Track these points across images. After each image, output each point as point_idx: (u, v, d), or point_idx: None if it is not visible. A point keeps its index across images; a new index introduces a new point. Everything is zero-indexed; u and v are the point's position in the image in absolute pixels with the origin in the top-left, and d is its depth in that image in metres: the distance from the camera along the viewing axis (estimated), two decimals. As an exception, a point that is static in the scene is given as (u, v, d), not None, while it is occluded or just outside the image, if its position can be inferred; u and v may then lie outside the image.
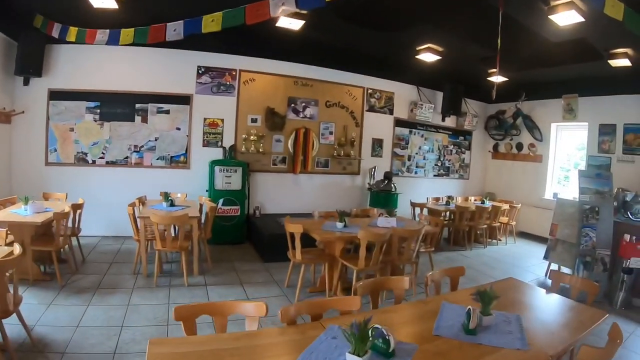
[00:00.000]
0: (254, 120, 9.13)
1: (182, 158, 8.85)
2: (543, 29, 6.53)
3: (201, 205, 7.31)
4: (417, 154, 11.35)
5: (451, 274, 3.73)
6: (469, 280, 6.15)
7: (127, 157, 8.47)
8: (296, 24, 6.74)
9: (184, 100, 8.80)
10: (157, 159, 8.65)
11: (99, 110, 8.27)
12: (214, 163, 8.43)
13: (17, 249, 3.74)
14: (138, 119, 8.47)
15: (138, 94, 8.35)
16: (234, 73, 9.00)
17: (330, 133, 9.84)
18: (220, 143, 8.96)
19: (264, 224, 8.32)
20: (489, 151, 12.89)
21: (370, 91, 10.35)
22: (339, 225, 5.97)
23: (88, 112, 8.21)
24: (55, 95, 7.95)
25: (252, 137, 8.93)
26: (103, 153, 8.38)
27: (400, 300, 3.15)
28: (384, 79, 10.64)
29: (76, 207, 6.28)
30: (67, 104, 8.12)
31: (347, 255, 5.70)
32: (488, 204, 10.00)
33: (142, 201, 6.97)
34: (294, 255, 5.75)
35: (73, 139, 8.16)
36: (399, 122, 10.91)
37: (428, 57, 8.59)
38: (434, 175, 11.78)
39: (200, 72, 8.82)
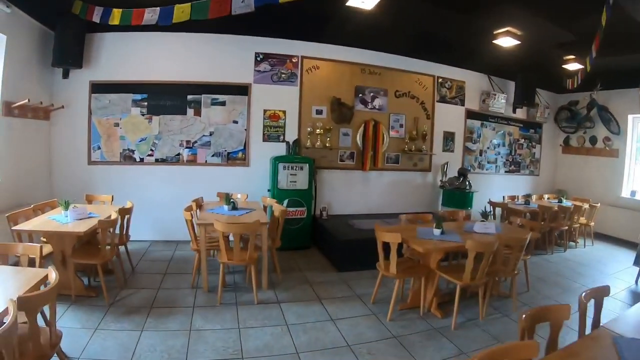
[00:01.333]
0: (318, 112, 7.77)
1: (240, 154, 7.62)
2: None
3: (265, 208, 6.05)
4: (488, 148, 9.78)
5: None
6: (563, 290, 5.74)
7: (178, 154, 7.36)
8: (369, 2, 5.42)
9: (241, 90, 7.56)
10: (212, 156, 7.48)
11: (146, 103, 7.16)
12: (277, 160, 7.14)
13: (52, 275, 2.61)
14: (190, 111, 7.35)
15: (190, 84, 7.25)
16: (295, 60, 7.68)
17: (401, 126, 8.41)
18: (282, 137, 7.63)
19: (334, 227, 6.99)
20: (560, 145, 11.31)
21: (440, 80, 8.89)
22: (436, 232, 4.77)
23: (134, 105, 7.13)
24: (98, 87, 6.94)
25: (317, 131, 7.56)
26: (152, 150, 7.27)
27: (557, 334, 2.48)
28: (455, 66, 9.13)
29: (124, 211, 5.14)
30: (112, 97, 7.03)
31: (445, 267, 4.76)
32: (566, 203, 8.58)
33: (199, 204, 5.67)
34: (387, 269, 4.55)
35: (118, 135, 7.09)
36: (470, 114, 9.36)
37: (506, 41, 7.18)
38: (505, 172, 10.12)
39: (258, 59, 7.56)
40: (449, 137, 9.07)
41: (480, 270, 4.19)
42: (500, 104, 9.61)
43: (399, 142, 8.41)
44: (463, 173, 8.59)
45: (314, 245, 7.37)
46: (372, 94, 8.10)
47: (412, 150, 8.36)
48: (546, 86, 10.31)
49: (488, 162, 9.86)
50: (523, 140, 10.53)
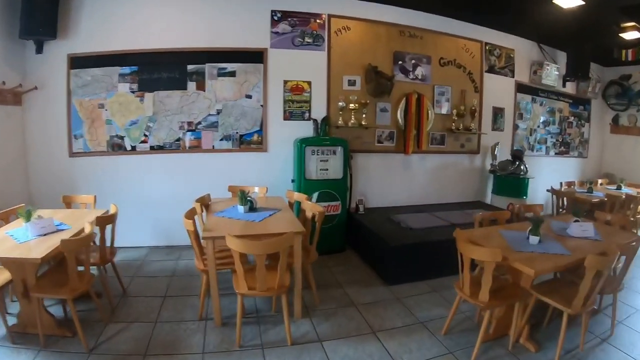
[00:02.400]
0: (351, 83, 6.05)
1: (255, 137, 6.01)
2: None
3: (292, 205, 4.54)
4: (538, 126, 8.06)
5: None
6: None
7: (178, 140, 5.77)
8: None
9: (255, 57, 5.91)
10: (221, 140, 5.89)
11: (137, 78, 5.54)
12: (304, 142, 5.52)
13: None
14: (192, 85, 5.73)
15: (191, 52, 5.64)
16: (321, 19, 6.06)
17: (447, 100, 6.71)
18: (307, 115, 5.97)
19: (376, 226, 5.39)
20: (609, 124, 9.67)
21: (488, 47, 7.18)
22: (533, 240, 3.32)
23: (122, 80, 5.50)
24: (78, 61, 5.36)
25: (350, 105, 5.84)
26: (146, 135, 5.67)
27: None
28: (503, 32, 7.48)
29: (104, 221, 3.55)
30: (95, 73, 5.41)
31: (542, 287, 3.32)
32: (627, 190, 7.11)
33: (204, 203, 4.01)
34: (473, 294, 3.11)
35: (104, 119, 5.52)
36: (520, 87, 7.63)
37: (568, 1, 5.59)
38: (555, 154, 8.44)
39: (275, 18, 5.94)
40: (498, 114, 7.38)
41: (592, 291, 2.93)
42: (553, 76, 7.94)
43: (445, 120, 6.71)
44: (518, 156, 6.93)
45: (349, 247, 5.66)
46: (413, 62, 6.37)
47: (460, 129, 6.66)
48: (595, 58, 8.56)
49: (538, 143, 8.08)
50: (572, 118, 8.79)
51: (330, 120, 5.96)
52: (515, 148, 7.42)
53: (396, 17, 6.35)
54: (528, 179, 6.98)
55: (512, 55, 7.53)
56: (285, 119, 5.99)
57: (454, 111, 6.62)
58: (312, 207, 3.95)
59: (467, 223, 5.24)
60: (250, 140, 5.94)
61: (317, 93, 6.02)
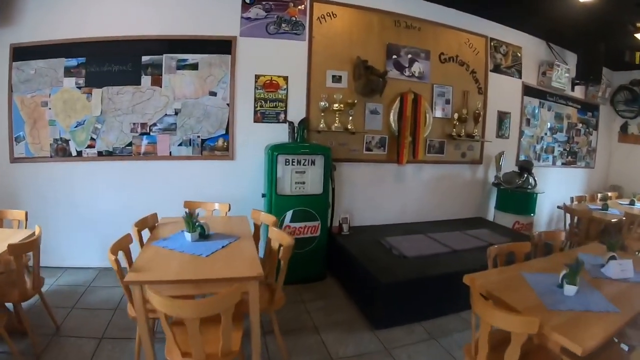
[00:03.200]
0: (336, 79, 4.89)
1: (220, 142, 4.94)
2: None
3: (258, 229, 3.46)
4: (546, 134, 6.90)
5: None
6: None
7: (130, 144, 4.71)
8: None
9: (222, 46, 4.84)
10: (180, 145, 4.83)
11: (84, 71, 4.50)
12: (276, 150, 4.40)
13: None
14: (146, 80, 4.67)
15: (146, 40, 4.61)
16: (302, 4, 4.96)
17: (447, 102, 5.52)
18: (283, 116, 4.89)
19: (364, 253, 4.29)
20: (617, 132, 8.64)
21: (494, 43, 6.03)
22: (569, 290, 2.27)
23: (68, 74, 4.48)
24: (22, 53, 4.40)
25: (334, 106, 4.67)
26: (93, 139, 4.61)
27: None
28: (509, 27, 6.42)
29: (21, 249, 2.61)
30: (39, 65, 4.41)
31: None
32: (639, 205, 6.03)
33: (149, 226, 2.89)
34: None
35: (47, 119, 4.51)
36: (527, 90, 6.45)
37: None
38: (562, 164, 7.33)
39: (247, 1, 4.87)
40: (504, 119, 6.22)
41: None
42: (564, 78, 6.75)
43: (445, 125, 5.58)
44: (526, 167, 5.85)
45: (331, 273, 4.56)
46: (409, 56, 5.19)
47: (461, 136, 5.52)
48: (605, 61, 7.35)
49: (545, 152, 6.93)
50: (581, 125, 7.69)
51: (309, 124, 4.83)
52: (524, 159, 6.23)
53: (391, 4, 5.26)
54: (537, 194, 5.78)
55: (519, 54, 6.43)
56: (256, 120, 4.87)
57: (455, 115, 5.48)
58: (279, 236, 2.76)
59: (472, 249, 4.33)
60: (214, 146, 4.86)
61: (295, 90, 4.88)
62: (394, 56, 5.19)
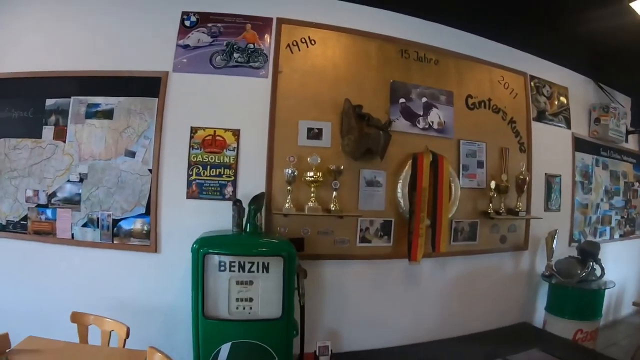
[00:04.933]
0: (314, 134, 2.95)
1: (139, 225, 3.02)
2: None
3: None
4: (602, 200, 4.67)
5: None
6: None
7: (25, 219, 2.99)
8: None
9: (148, 86, 3.08)
10: (85, 225, 2.99)
11: None
12: (205, 246, 2.52)
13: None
14: (48, 131, 3.02)
15: (53, 77, 3.00)
16: (264, 25, 3.17)
17: (480, 165, 3.37)
18: (231, 190, 3.03)
19: None
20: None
21: (535, 83, 3.88)
22: None
23: None
24: None
25: (308, 176, 2.48)
26: None
27: None
28: (550, 61, 4.52)
29: None
30: None
31: None
32: None
33: None
34: None
35: None
36: (578, 144, 4.25)
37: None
38: (620, 236, 5.40)
39: (187, 24, 3.12)
40: (552, 184, 3.96)
41: None
42: (622, 125, 4.57)
43: (477, 198, 3.53)
44: (590, 252, 3.89)
45: None
46: (424, 100, 3.16)
47: (500, 213, 3.38)
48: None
49: (601, 224, 4.68)
50: (637, 184, 5.39)
51: (271, 202, 2.78)
52: (587, 240, 4.03)
53: (395, 27, 3.41)
54: (605, 289, 3.83)
55: (565, 96, 4.27)
56: (190, 196, 3.03)
57: (492, 183, 3.43)
58: None
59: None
60: (130, 231, 3.00)
61: (249, 151, 2.99)
62: (402, 100, 3.15)
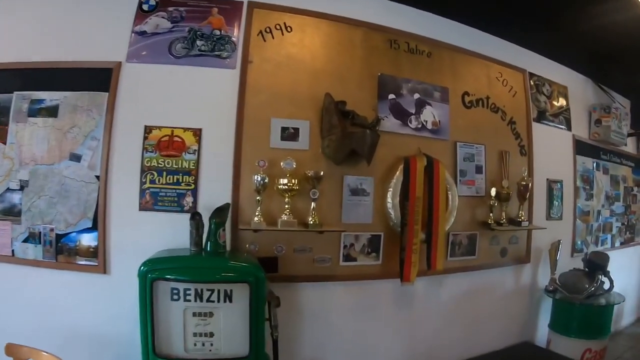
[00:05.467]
0: (289, 134, 2.37)
1: (84, 241, 2.42)
2: None
3: None
4: (603, 206, 4.22)
5: None
6: None
7: None
8: None
9: (98, 79, 2.50)
10: (26, 241, 2.39)
11: None
12: (154, 269, 1.99)
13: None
14: None
15: None
16: (233, 10, 2.64)
17: (478, 170, 2.84)
18: (191, 200, 2.48)
19: None
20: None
21: (535, 81, 3.39)
22: None
23: None
24: None
25: (281, 184, 1.94)
26: None
27: None
28: (549, 58, 4.09)
29: None
30: None
31: None
32: None
33: None
34: None
35: None
36: (579, 146, 3.79)
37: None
38: (621, 243, 5.03)
39: (145, 7, 2.57)
40: (554, 191, 3.47)
41: None
42: (624, 127, 4.14)
43: (476, 207, 3.00)
44: (599, 264, 3.55)
45: None
46: (417, 97, 2.65)
47: (502, 223, 2.84)
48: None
49: (603, 231, 4.23)
50: (636, 188, 5.32)
51: (238, 215, 2.31)
52: (594, 251, 3.57)
53: (383, 15, 2.99)
54: (614, 304, 3.45)
55: (565, 95, 3.81)
56: (144, 207, 2.49)
57: (493, 190, 2.87)
58: None
59: None
60: (74, 248, 2.45)
61: (212, 154, 2.52)
62: (391, 96, 2.65)
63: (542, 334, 3.67)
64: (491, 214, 3.05)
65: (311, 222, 2.39)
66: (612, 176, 4.79)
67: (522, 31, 3.46)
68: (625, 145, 4.89)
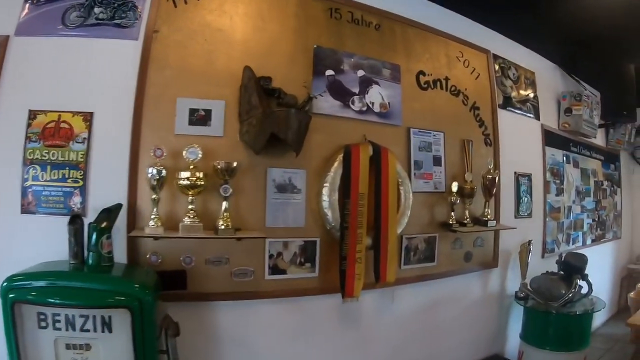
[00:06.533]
0: (199, 118, 1.72)
1: None
2: None
3: None
4: (574, 201, 3.72)
5: None
6: None
7: None
8: None
9: None
10: None
11: None
12: (19, 286, 1.39)
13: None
14: None
15: None
16: None
17: (437, 162, 2.25)
18: (78, 202, 1.87)
19: None
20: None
21: (500, 63, 2.87)
22: None
23: None
24: None
25: (182, 179, 1.24)
26: None
27: None
28: (514, 40, 3.58)
29: None
30: None
31: None
32: None
33: None
34: None
35: None
36: (548, 137, 3.26)
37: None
38: (592, 240, 4.57)
39: None
40: (522, 185, 2.93)
41: None
42: (595, 117, 3.65)
43: (435, 204, 2.39)
44: (577, 266, 3.09)
45: None
46: (361, 74, 2.06)
47: (465, 223, 2.21)
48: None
49: (574, 229, 3.73)
50: (606, 183, 4.88)
51: (133, 218, 1.80)
52: (571, 252, 3.09)
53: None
54: (593, 311, 2.92)
55: (533, 81, 3.29)
56: (26, 209, 1.84)
57: (454, 185, 2.24)
58: None
59: None
60: None
61: (105, 143, 1.93)
62: (330, 72, 2.07)
63: (514, 345, 3.18)
64: (452, 213, 2.51)
65: (222, 227, 1.78)
66: (583, 170, 4.34)
67: (485, 11, 2.96)
68: (595, 137, 4.41)
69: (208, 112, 1.99)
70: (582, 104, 3.85)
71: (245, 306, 2.02)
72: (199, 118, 1.98)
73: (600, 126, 4.54)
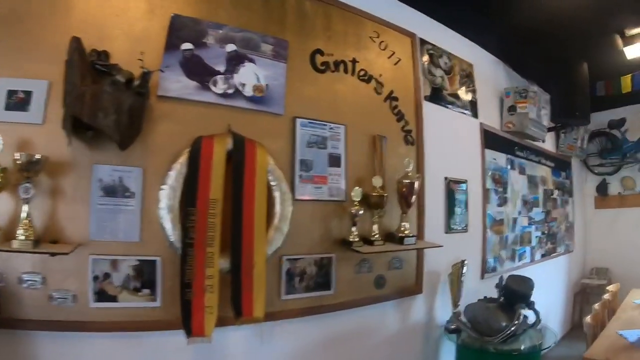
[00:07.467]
0: (17, 102, 1.55)
1: None
2: None
3: None
4: (520, 212, 3.52)
5: None
6: None
7: None
8: None
9: None
10: None
11: None
12: None
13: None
14: None
15: None
16: None
17: (335, 162, 1.87)
18: None
19: None
20: (594, 195, 5.89)
21: (429, 49, 2.56)
22: None
23: None
24: None
25: None
26: None
27: None
28: (454, 29, 3.41)
29: None
30: None
31: None
32: None
33: None
34: None
35: None
36: (488, 138, 3.03)
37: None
38: (542, 256, 4.45)
39: None
40: (456, 194, 2.67)
41: None
42: (543, 117, 3.51)
43: (329, 216, 2.09)
44: (520, 293, 2.77)
45: None
46: (231, 48, 1.60)
47: (372, 242, 1.87)
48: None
49: (520, 244, 3.52)
50: (557, 192, 4.75)
51: None
52: (513, 275, 2.82)
53: None
54: (540, 350, 2.66)
55: (470, 74, 3.04)
56: None
57: (355, 191, 1.80)
58: None
59: None
60: None
61: None
62: (186, 45, 1.69)
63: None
64: (353, 228, 2.13)
65: (21, 238, 1.35)
66: (530, 177, 4.15)
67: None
68: (544, 141, 4.26)
69: (28, 95, 1.58)
70: (529, 101, 3.66)
71: (70, 339, 1.60)
72: (18, 101, 1.57)
73: (550, 129, 4.39)
